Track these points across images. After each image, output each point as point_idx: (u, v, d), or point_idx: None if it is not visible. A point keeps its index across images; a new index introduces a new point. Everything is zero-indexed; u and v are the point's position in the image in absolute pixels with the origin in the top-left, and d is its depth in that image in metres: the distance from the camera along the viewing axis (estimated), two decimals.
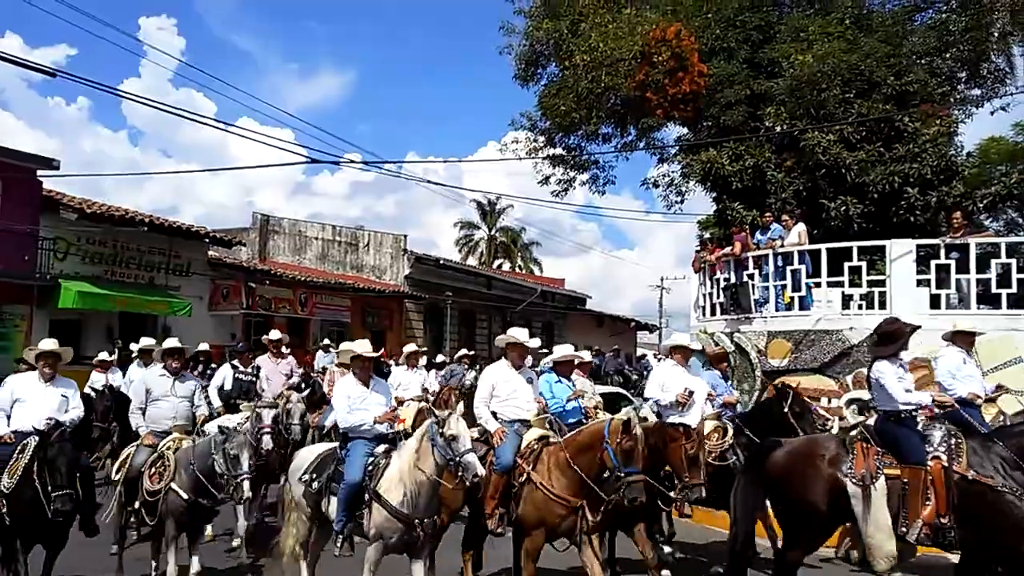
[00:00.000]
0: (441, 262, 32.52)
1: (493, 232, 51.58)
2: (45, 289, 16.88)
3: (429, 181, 39.95)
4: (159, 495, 6.67)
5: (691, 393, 7.52)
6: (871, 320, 11.37)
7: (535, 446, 6.57)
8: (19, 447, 6.35)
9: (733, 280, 13.39)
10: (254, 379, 10.50)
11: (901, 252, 11.40)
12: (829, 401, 11.15)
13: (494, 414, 6.87)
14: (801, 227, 13.08)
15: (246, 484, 6.49)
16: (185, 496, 6.62)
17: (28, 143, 76.88)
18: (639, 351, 42.60)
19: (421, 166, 74.13)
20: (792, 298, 12.45)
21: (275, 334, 11.71)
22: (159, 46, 79.42)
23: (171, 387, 7.46)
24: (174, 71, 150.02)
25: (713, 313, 14.05)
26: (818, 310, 12.09)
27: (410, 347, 12.55)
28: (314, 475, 6.52)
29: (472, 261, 47.00)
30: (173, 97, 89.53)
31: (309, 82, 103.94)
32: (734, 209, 16.18)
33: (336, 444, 6.86)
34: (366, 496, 6.06)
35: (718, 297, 13.85)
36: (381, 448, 6.38)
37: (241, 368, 10.56)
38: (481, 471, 5.83)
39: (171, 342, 7.86)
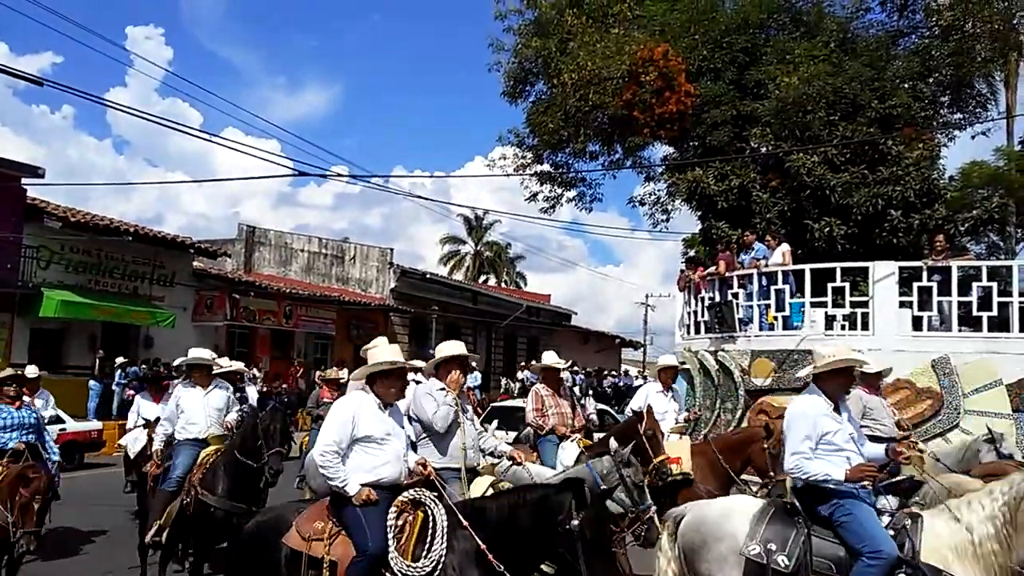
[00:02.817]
0: (427, 276, 32.53)
1: (479, 247, 51.64)
2: (27, 297, 16.76)
3: (416, 195, 39.96)
4: None
5: None
6: (854, 341, 11.49)
7: None
8: (416, 505, 4.32)
9: (717, 299, 13.46)
10: None
11: (884, 274, 11.49)
12: None
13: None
14: (785, 247, 13.18)
15: (657, 521, 4.93)
16: None
17: (12, 151, 76.38)
18: (623, 367, 42.83)
19: (408, 180, 74.00)
20: (776, 318, 12.52)
21: (550, 357, 8.02)
22: (146, 56, 79.34)
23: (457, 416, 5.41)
24: (161, 81, 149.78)
25: (697, 331, 14.09)
26: (801, 330, 12.16)
27: (666, 359, 8.99)
28: (771, 546, 4.33)
29: (458, 276, 47.00)
30: (159, 107, 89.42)
31: (296, 94, 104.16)
32: (719, 228, 16.27)
33: (760, 500, 4.96)
34: None
35: (702, 315, 13.90)
36: (889, 501, 4.52)
37: None
38: None
39: (458, 347, 5.65)
